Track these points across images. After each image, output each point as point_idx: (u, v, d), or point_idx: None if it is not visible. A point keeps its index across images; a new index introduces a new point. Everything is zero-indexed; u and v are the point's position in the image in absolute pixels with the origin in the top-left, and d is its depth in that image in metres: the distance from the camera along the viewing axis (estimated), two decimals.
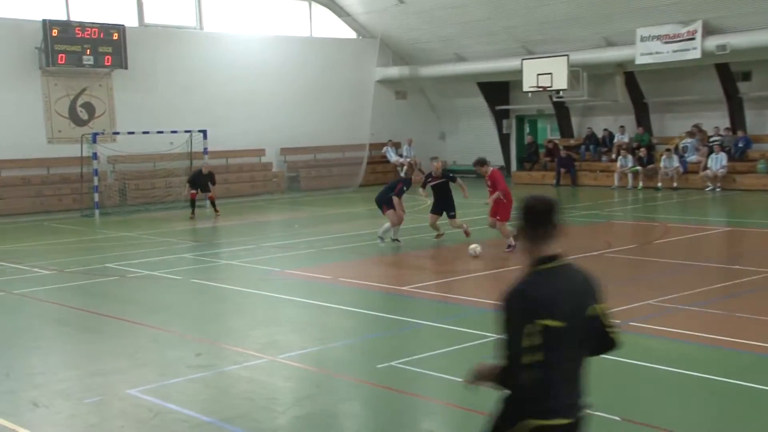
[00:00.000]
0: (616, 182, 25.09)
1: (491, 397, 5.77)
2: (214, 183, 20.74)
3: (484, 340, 8.18)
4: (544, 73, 25.07)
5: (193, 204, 20.34)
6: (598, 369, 7.42)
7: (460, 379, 7.09)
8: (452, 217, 14.68)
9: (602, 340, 3.55)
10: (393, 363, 7.50)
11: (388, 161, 29.99)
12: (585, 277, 3.51)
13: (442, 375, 7.18)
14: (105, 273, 12.80)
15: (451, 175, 15.14)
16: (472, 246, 13.18)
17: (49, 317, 10.18)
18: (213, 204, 20.56)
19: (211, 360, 7.89)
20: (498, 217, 13.75)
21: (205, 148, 23.70)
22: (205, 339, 8.76)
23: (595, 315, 3.46)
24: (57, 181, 23.16)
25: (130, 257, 14.39)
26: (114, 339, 8.87)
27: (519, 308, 3.29)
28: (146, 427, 6.07)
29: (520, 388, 3.34)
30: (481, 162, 14.26)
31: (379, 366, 7.46)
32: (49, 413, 6.46)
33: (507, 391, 3.41)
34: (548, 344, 3.26)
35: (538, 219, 3.44)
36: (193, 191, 20.35)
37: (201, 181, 20.42)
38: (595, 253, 13.26)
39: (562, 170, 26.59)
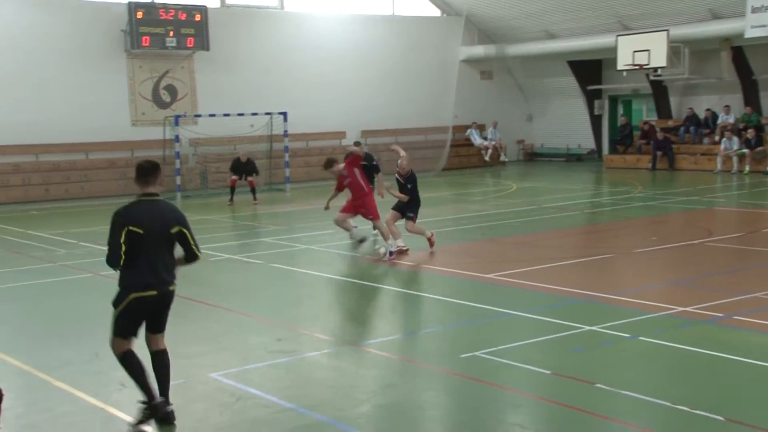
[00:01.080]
0: (718, 166, 23.64)
1: (580, 392, 6.30)
2: (257, 172, 20.31)
3: (573, 331, 7.91)
4: (641, 50, 23.77)
5: (232, 191, 20.05)
6: (700, 366, 6.83)
7: (548, 371, 6.46)
8: (410, 218, 12.53)
9: (189, 253, 5.99)
10: (477, 353, 7.25)
11: (472, 144, 29.19)
12: (172, 209, 5.95)
13: (528, 366, 6.88)
14: None
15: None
16: (378, 247, 12.21)
17: None
18: (253, 191, 20.04)
19: (291, 346, 7.84)
20: (369, 215, 12.30)
21: (285, 131, 23.45)
22: (286, 324, 8.77)
23: (179, 232, 5.87)
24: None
25: (211, 241, 14.46)
26: (196, 323, 8.94)
27: (119, 219, 5.73)
28: (228, 411, 6.09)
29: (122, 272, 5.78)
30: (330, 162, 12.67)
31: (463, 356, 7.23)
32: (136, 394, 6.47)
33: (119, 276, 5.81)
34: (135, 243, 5.68)
35: (144, 172, 5.83)
36: (234, 177, 20.01)
37: (241, 168, 20.03)
38: (694, 241, 12.66)
39: (659, 153, 25.28)
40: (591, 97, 29.19)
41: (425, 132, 28.49)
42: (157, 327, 6.03)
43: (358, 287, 10.51)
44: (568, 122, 29.95)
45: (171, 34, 22.94)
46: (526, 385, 6.53)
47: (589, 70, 28.77)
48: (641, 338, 7.60)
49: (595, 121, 29.56)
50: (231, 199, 20.07)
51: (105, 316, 9.29)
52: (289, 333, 8.34)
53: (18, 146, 21.85)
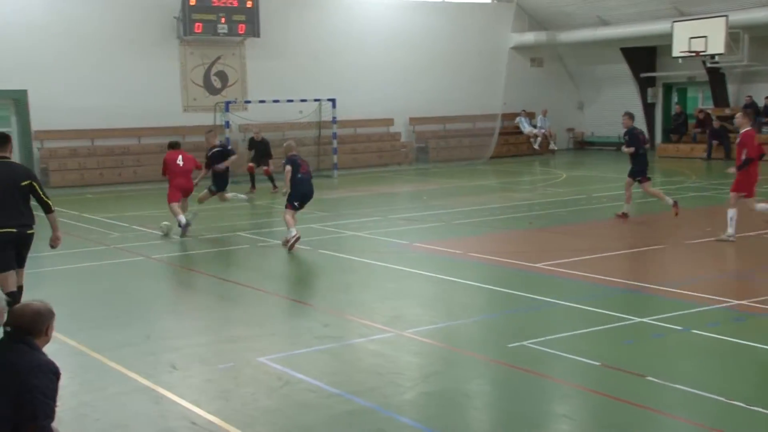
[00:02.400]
0: None
1: (630, 384, 6.20)
2: (270, 155, 19.78)
3: (623, 323, 7.80)
4: (698, 37, 23.16)
5: (251, 177, 19.58)
6: (756, 361, 6.90)
7: (597, 363, 6.42)
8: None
9: (41, 202, 7.44)
10: (525, 342, 7.21)
11: (521, 132, 28.89)
12: (23, 168, 7.67)
13: (577, 357, 6.79)
14: (236, 241, 13.07)
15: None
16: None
17: (185, 283, 10.56)
18: (271, 179, 19.72)
19: (338, 332, 7.91)
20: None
21: (334, 117, 23.52)
22: (333, 310, 8.82)
23: (30, 185, 7.35)
24: (191, 149, 23.29)
25: (259, 226, 14.64)
26: (245, 307, 9.10)
27: None
28: (276, 395, 6.16)
29: None
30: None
31: (510, 345, 7.18)
32: (186, 376, 6.67)
33: None
34: None
35: None
36: (251, 164, 19.70)
37: (255, 146, 19.79)
38: (751, 233, 12.32)
39: (714, 143, 24.62)
40: (644, 84, 28.58)
41: (473, 119, 28.27)
42: (18, 263, 7.48)
43: (404, 274, 10.49)
44: (619, 110, 29.11)
45: (223, 20, 23.15)
46: (575, 376, 6.45)
47: (643, 57, 28.17)
48: (694, 331, 7.44)
49: (648, 110, 28.94)
50: (253, 187, 19.59)
51: (155, 299, 9.61)
52: (336, 319, 8.38)
53: (74, 131, 22.35)
